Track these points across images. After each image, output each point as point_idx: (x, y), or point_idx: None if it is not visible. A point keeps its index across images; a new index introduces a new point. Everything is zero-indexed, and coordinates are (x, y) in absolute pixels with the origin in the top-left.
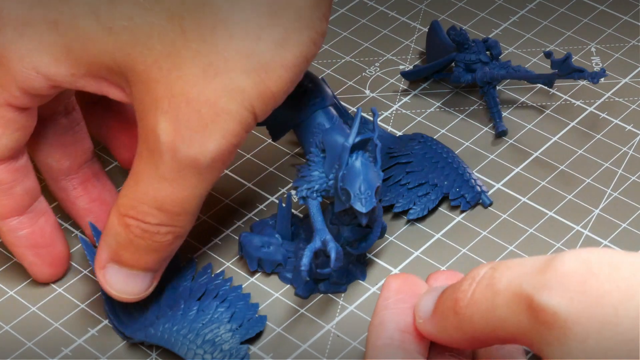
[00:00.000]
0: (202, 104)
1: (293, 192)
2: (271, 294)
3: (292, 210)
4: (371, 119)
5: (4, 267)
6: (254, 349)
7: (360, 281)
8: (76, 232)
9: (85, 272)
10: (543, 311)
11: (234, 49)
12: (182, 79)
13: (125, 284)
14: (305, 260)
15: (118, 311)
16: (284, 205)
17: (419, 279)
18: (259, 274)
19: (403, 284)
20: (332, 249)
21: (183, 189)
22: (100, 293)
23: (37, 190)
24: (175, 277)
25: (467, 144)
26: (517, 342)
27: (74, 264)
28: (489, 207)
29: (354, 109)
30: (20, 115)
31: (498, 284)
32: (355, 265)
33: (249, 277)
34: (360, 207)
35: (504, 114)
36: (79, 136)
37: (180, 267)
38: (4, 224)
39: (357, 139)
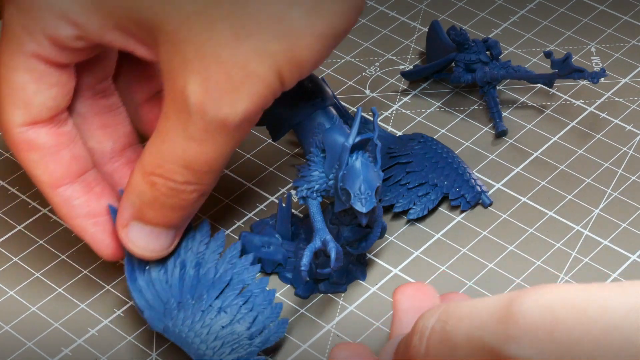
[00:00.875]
0: (232, 66)
1: (293, 192)
2: None
3: (292, 210)
4: (371, 119)
5: (4, 267)
6: None
7: (360, 281)
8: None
9: (85, 272)
10: None
11: (267, 13)
12: (213, 40)
13: (149, 241)
14: (305, 260)
15: (142, 288)
16: (284, 205)
17: (364, 346)
18: (259, 273)
19: (352, 354)
20: (332, 249)
21: (211, 149)
22: (124, 274)
23: (87, 160)
24: (191, 240)
25: (467, 144)
26: None
27: (74, 264)
28: (489, 207)
29: (354, 109)
30: (52, 70)
31: (454, 338)
32: (355, 265)
33: None
34: (360, 207)
35: (504, 114)
36: (119, 119)
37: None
38: (56, 195)
39: (357, 139)
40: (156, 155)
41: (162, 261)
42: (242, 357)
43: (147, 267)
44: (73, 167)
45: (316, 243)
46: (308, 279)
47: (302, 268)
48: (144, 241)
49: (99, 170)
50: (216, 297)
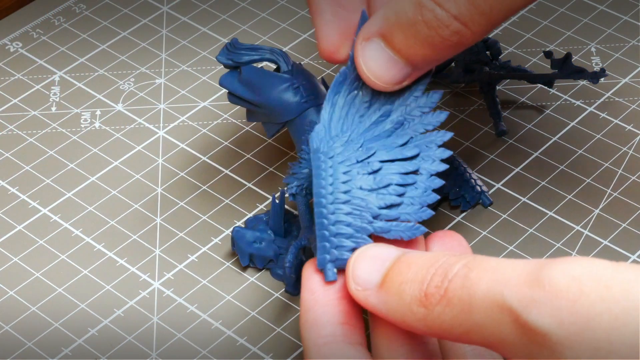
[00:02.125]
0: None
1: (286, 188)
2: (271, 294)
3: (286, 207)
4: None
5: (4, 267)
6: (253, 349)
7: None
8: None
9: (85, 272)
10: (532, 330)
11: None
12: None
13: (380, 65)
14: (289, 257)
15: (337, 105)
16: (277, 201)
17: (459, 238)
18: (261, 272)
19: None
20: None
21: None
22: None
23: None
24: (413, 99)
25: (467, 144)
26: (491, 348)
27: (74, 264)
28: (489, 207)
29: None
30: None
31: (475, 286)
32: None
33: (242, 272)
34: None
35: (504, 114)
36: None
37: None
38: None
39: None
40: None
41: (372, 96)
42: (353, 226)
43: (355, 92)
44: None
45: (302, 241)
46: (293, 275)
47: (287, 265)
48: (376, 63)
49: None
50: (382, 160)
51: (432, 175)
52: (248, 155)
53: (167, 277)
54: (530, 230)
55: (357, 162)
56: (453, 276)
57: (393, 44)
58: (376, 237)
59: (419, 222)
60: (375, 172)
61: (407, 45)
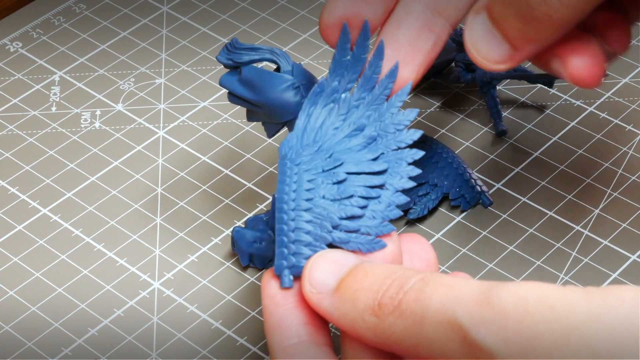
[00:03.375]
0: None
1: None
2: None
3: None
4: None
5: (4, 267)
6: (253, 349)
7: None
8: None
9: (85, 272)
10: (479, 349)
11: None
12: None
13: (481, 38)
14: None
15: (312, 116)
16: None
17: (428, 247)
18: (261, 272)
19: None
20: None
21: None
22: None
23: None
24: (389, 116)
25: (467, 144)
26: None
27: (74, 264)
28: (489, 207)
29: None
30: None
31: (428, 301)
32: None
33: (242, 272)
34: None
35: (504, 114)
36: None
37: None
38: None
39: None
40: None
41: (349, 110)
42: (312, 234)
43: (332, 104)
44: None
45: None
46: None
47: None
48: (478, 36)
49: None
50: (349, 172)
51: (397, 191)
52: (248, 155)
53: (167, 277)
54: (530, 230)
55: (323, 171)
56: (408, 289)
57: (493, 17)
58: (335, 248)
59: (379, 236)
60: (339, 182)
61: (503, 18)
